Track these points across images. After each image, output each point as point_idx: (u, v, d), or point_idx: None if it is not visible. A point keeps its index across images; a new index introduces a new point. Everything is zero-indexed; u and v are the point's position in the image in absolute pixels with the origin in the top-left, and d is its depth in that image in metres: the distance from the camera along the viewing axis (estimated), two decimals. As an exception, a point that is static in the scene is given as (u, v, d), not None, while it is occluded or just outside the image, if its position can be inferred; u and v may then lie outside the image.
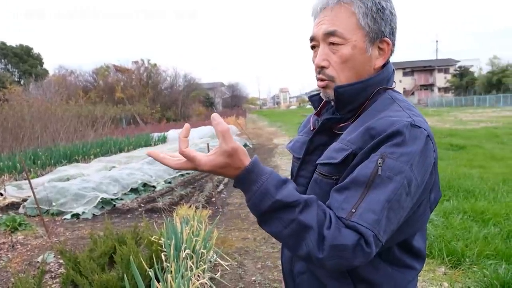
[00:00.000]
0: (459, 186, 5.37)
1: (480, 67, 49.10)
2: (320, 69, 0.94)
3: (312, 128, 1.06)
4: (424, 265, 3.32)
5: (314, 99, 1.08)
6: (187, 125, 0.81)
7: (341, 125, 0.96)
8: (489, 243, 3.40)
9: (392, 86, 0.98)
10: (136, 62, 36.69)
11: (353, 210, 0.77)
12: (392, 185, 0.78)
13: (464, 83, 47.19)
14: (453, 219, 4.04)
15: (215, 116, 0.77)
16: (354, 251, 0.75)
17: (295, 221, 0.77)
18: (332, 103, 0.98)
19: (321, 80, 0.95)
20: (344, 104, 0.94)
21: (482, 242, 3.41)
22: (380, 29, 0.92)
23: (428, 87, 56.19)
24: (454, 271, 3.09)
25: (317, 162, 0.94)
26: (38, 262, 3.66)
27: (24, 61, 39.33)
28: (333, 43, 0.91)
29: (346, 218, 0.77)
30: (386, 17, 0.92)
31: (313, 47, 0.98)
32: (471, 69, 50.01)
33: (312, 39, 0.97)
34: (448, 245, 3.40)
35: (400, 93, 0.99)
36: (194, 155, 0.78)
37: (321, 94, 1.01)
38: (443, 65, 55.87)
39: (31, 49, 41.02)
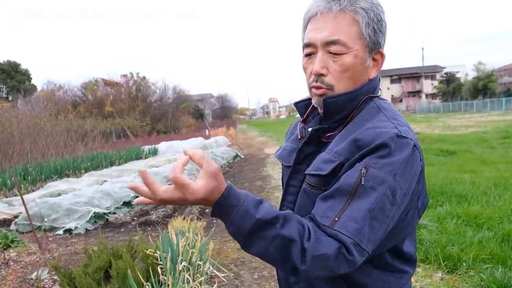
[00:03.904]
0: (451, 191, 5.42)
1: (466, 73, 50.02)
2: (318, 77, 0.92)
3: (299, 137, 1.07)
4: (421, 270, 3.32)
5: (300, 105, 1.07)
6: (187, 157, 0.79)
7: (329, 134, 0.97)
8: (484, 247, 3.42)
9: (378, 94, 0.99)
10: (125, 76, 36.59)
11: (336, 219, 0.79)
12: (375, 195, 0.79)
13: (451, 89, 47.97)
14: (447, 224, 4.08)
15: (185, 149, 0.80)
16: (336, 260, 0.76)
17: (278, 237, 0.77)
18: (320, 111, 0.98)
19: (318, 88, 0.93)
20: (333, 114, 0.94)
21: (477, 246, 3.44)
22: (378, 40, 0.93)
23: (416, 93, 57.07)
24: (451, 276, 3.10)
25: (305, 172, 0.95)
26: (32, 279, 3.58)
27: (12, 77, 38.98)
28: (334, 53, 0.90)
29: (329, 226, 0.79)
30: (383, 29, 0.94)
31: (308, 54, 0.95)
32: (457, 75, 50.93)
33: (308, 45, 0.94)
34: (443, 250, 3.42)
35: (386, 100, 1.00)
36: (188, 182, 0.76)
37: (313, 102, 0.98)
38: (430, 72, 56.87)
39: (19, 65, 40.73)
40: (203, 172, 0.77)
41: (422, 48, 68.83)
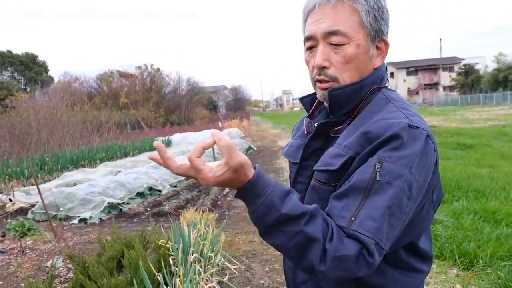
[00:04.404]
0: (468, 186, 5.30)
1: (486, 64, 48.64)
2: (321, 70, 0.90)
3: (306, 132, 1.03)
4: (436, 267, 3.24)
5: (305, 100, 1.04)
6: (211, 141, 0.73)
7: (336, 128, 0.93)
8: (502, 244, 3.33)
9: (386, 85, 0.95)
10: (139, 67, 36.92)
11: (353, 218, 0.75)
12: (392, 190, 0.75)
13: (470, 81, 46.80)
14: (463, 220, 3.98)
15: (214, 132, 0.73)
16: (357, 262, 0.73)
17: (300, 234, 0.74)
18: (326, 104, 0.95)
19: (322, 81, 0.91)
20: (339, 107, 0.91)
21: (495, 243, 3.34)
22: (380, 28, 0.90)
23: (433, 86, 55.91)
24: (466, 273, 3.03)
25: (314, 168, 0.92)
26: (47, 267, 3.66)
27: (30, 68, 39.73)
28: (335, 44, 0.87)
29: (346, 226, 0.75)
30: (385, 16, 0.91)
31: (309, 48, 0.93)
32: (476, 67, 49.61)
33: (309, 38, 0.91)
34: (459, 246, 3.34)
35: (395, 91, 0.96)
36: (202, 168, 0.73)
37: (318, 96, 0.95)
38: (448, 64, 55.54)
39: (36, 56, 41.48)
40: (223, 162, 0.73)
41: (440, 40, 66.67)
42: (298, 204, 0.76)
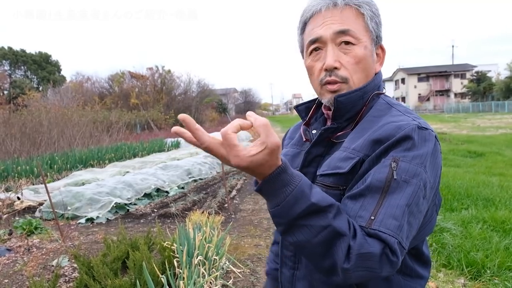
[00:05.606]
0: (478, 195, 5.23)
1: (498, 72, 48.10)
2: (331, 71, 0.89)
3: (304, 139, 1.02)
4: (443, 276, 3.19)
5: (300, 108, 1.04)
6: (248, 123, 0.68)
7: (338, 134, 0.93)
8: (511, 254, 3.28)
9: (383, 91, 0.97)
10: (150, 69, 37.20)
11: (372, 217, 0.73)
12: (410, 189, 0.75)
13: (482, 88, 46.28)
14: (472, 229, 3.93)
15: (250, 113, 0.69)
16: (380, 261, 0.70)
17: (328, 228, 0.70)
18: (325, 111, 0.97)
19: (333, 82, 0.90)
20: (343, 113, 0.91)
21: (504, 253, 3.29)
22: (379, 34, 0.94)
23: (444, 92, 55.34)
24: (474, 283, 2.98)
25: (319, 173, 0.90)
26: (53, 266, 3.68)
27: (43, 68, 40.38)
28: (346, 42, 0.88)
29: (366, 226, 0.73)
30: (381, 23, 0.94)
31: (314, 50, 0.92)
32: (488, 74, 49.05)
33: (315, 40, 0.91)
34: (467, 256, 3.29)
35: (391, 97, 0.99)
36: (237, 144, 0.66)
37: (325, 101, 0.93)
38: (460, 71, 54.95)
39: (50, 56, 42.14)
40: (259, 142, 0.67)
41: (452, 46, 65.81)
42: (325, 195, 0.73)
